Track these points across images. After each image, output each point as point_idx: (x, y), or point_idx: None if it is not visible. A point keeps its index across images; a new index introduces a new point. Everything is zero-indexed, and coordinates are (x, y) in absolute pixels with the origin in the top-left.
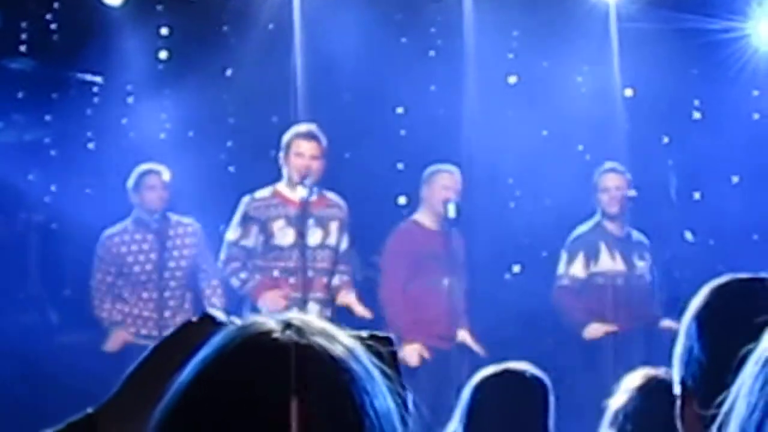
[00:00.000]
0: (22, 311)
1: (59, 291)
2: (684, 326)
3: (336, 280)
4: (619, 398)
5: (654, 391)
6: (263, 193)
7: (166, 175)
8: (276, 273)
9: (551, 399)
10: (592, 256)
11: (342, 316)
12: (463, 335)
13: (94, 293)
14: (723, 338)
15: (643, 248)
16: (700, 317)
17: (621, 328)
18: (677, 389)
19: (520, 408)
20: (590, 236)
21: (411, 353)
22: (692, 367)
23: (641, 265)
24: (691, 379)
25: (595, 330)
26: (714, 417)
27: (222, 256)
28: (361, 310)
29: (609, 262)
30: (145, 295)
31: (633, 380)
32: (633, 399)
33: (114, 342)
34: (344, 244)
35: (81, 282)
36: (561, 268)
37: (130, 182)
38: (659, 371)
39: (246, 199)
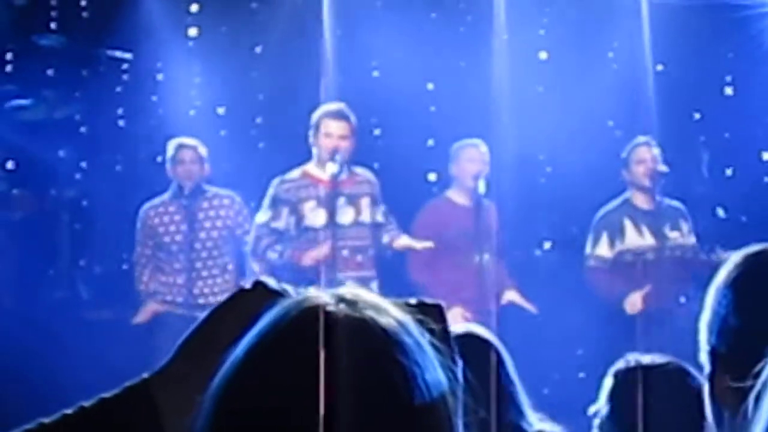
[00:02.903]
0: (53, 287)
1: (89, 267)
2: (713, 295)
3: (386, 237)
4: (607, 388)
5: (642, 375)
6: (293, 174)
7: (202, 149)
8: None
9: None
10: (616, 235)
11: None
12: (511, 295)
13: (135, 266)
14: (761, 306)
15: (678, 215)
16: (735, 285)
17: (655, 303)
18: (704, 357)
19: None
20: (615, 214)
21: (454, 318)
22: (727, 336)
23: (675, 235)
24: (726, 347)
25: (634, 302)
26: (752, 386)
27: (251, 238)
28: (420, 245)
29: (636, 238)
30: (177, 265)
31: (620, 367)
32: (619, 386)
33: (144, 314)
34: (379, 217)
35: (111, 258)
36: (588, 249)
37: (168, 156)
38: (648, 357)
39: (276, 181)
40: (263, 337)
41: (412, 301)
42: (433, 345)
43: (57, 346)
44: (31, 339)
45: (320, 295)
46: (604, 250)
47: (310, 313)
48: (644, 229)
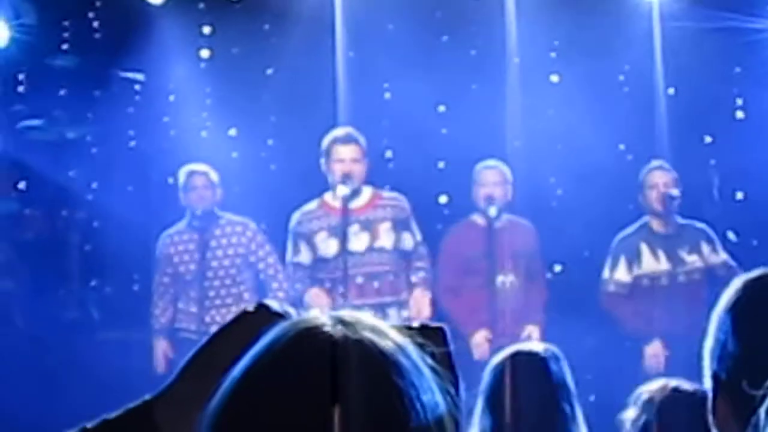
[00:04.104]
0: (63, 308)
1: (101, 288)
2: (715, 320)
3: (413, 278)
4: (633, 411)
5: (670, 401)
6: (310, 206)
7: (213, 175)
8: (327, 285)
9: (560, 369)
10: (634, 258)
11: None
12: (531, 330)
13: (153, 294)
14: (759, 332)
15: (700, 237)
16: (734, 311)
17: (667, 330)
18: (708, 383)
19: (532, 385)
20: (632, 238)
21: (479, 344)
22: (726, 362)
23: (693, 258)
24: (724, 373)
25: (654, 351)
26: (753, 410)
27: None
28: (422, 314)
29: (652, 263)
30: (192, 293)
31: (648, 391)
32: (647, 411)
33: (157, 357)
34: (408, 242)
35: (122, 279)
36: (606, 273)
37: (179, 183)
38: (675, 381)
39: (295, 215)
40: (261, 357)
41: (415, 324)
42: (432, 368)
43: (68, 367)
44: (42, 359)
45: (318, 317)
46: (622, 274)
47: (307, 333)
48: (660, 253)
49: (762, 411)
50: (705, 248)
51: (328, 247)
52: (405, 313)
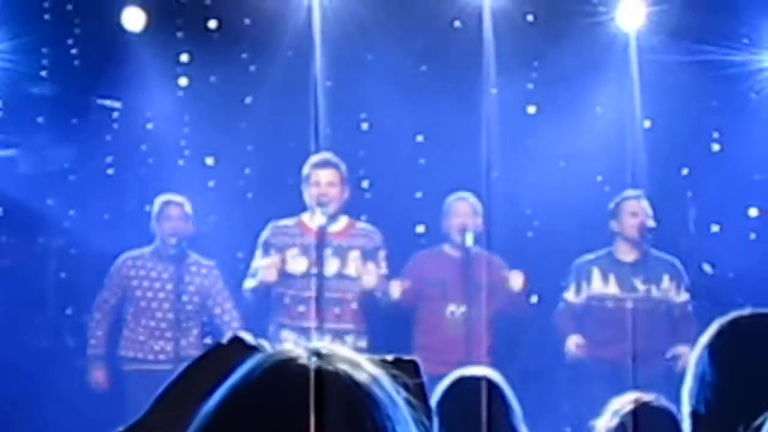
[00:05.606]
0: (39, 335)
1: (76, 315)
2: (693, 361)
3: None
4: (607, 420)
5: (644, 415)
6: (287, 221)
7: (187, 207)
8: (287, 300)
9: (508, 397)
10: (583, 280)
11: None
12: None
13: (94, 312)
14: (737, 363)
15: (662, 270)
16: (712, 347)
17: (619, 355)
18: (687, 424)
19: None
20: (588, 262)
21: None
22: (705, 393)
23: (645, 288)
24: (704, 404)
25: (571, 344)
26: None
27: (246, 284)
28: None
29: (600, 285)
30: (143, 321)
31: (622, 403)
32: (623, 423)
33: (96, 380)
34: (371, 273)
35: None
36: (564, 293)
37: (153, 212)
38: (649, 396)
39: (270, 225)
40: (235, 389)
41: (389, 357)
42: (406, 400)
43: (42, 395)
44: (17, 387)
45: (293, 349)
46: (570, 295)
47: (282, 365)
48: (611, 277)
49: None
50: (666, 282)
51: (298, 264)
52: (361, 344)
